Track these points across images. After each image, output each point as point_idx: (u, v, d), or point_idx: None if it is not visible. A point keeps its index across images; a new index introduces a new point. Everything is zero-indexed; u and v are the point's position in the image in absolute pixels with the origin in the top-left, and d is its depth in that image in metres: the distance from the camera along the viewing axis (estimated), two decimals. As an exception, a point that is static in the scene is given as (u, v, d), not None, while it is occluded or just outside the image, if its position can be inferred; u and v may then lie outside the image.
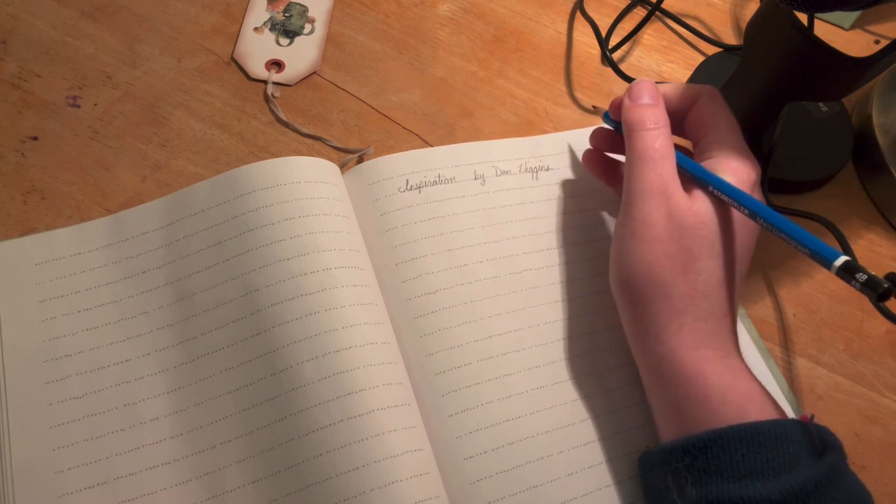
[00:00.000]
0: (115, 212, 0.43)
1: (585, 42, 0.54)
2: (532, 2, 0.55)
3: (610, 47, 0.53)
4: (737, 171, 0.37)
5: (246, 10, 0.52)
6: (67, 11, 0.51)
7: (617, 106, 0.41)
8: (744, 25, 0.56)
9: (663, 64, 0.54)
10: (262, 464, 0.36)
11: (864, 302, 0.45)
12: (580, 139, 0.48)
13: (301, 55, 0.51)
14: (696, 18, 0.56)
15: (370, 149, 0.47)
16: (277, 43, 0.51)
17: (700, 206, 0.36)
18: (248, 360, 0.37)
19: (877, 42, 0.56)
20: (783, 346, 0.44)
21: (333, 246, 0.39)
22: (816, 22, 0.55)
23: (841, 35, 0.56)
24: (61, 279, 0.40)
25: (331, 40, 0.52)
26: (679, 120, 0.41)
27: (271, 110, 0.48)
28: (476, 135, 0.49)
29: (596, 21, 0.54)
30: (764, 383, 0.35)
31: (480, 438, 0.37)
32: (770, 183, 0.46)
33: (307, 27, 0.52)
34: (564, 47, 0.54)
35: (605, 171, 0.44)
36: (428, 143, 0.48)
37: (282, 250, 0.39)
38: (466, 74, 0.52)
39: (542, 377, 0.39)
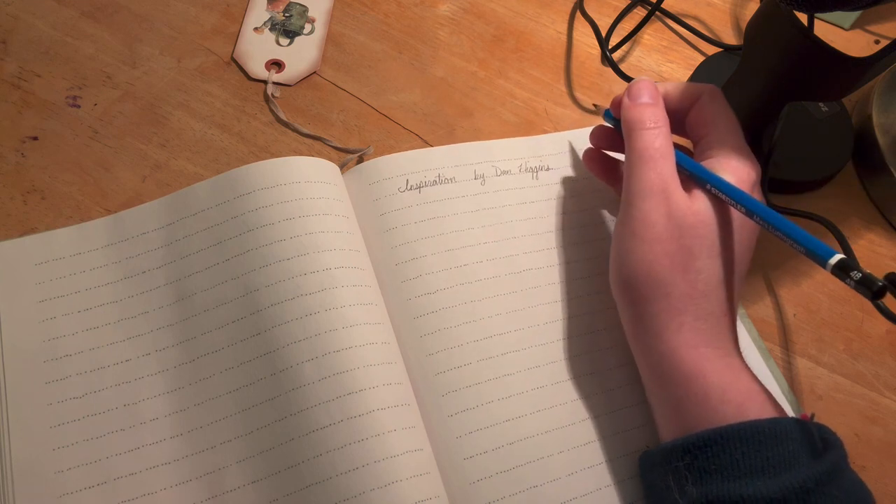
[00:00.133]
0: (115, 212, 0.43)
1: (585, 42, 0.54)
2: (532, 2, 0.56)
3: (610, 47, 0.53)
4: (737, 170, 0.37)
5: (246, 10, 0.52)
6: (67, 11, 0.51)
7: (618, 104, 0.41)
8: (744, 25, 0.56)
9: (663, 64, 0.54)
10: (262, 464, 0.36)
11: (865, 302, 0.45)
12: (580, 139, 0.48)
13: (301, 55, 0.51)
14: (696, 18, 0.56)
15: (370, 149, 0.47)
16: (277, 43, 0.51)
17: (700, 205, 0.36)
18: (248, 360, 0.37)
19: (877, 42, 0.56)
20: (783, 346, 0.44)
21: (333, 246, 0.39)
22: (816, 22, 0.55)
23: (841, 35, 0.56)
24: (61, 279, 0.40)
25: (331, 40, 0.52)
26: (680, 119, 0.41)
27: (271, 110, 0.48)
28: (476, 135, 0.49)
29: (596, 21, 0.54)
30: (764, 383, 0.35)
31: (480, 438, 0.37)
32: (770, 183, 0.46)
33: (307, 27, 0.52)
34: (564, 47, 0.54)
35: (605, 170, 0.44)
36: (428, 143, 0.48)
37: (282, 250, 0.39)
38: (466, 74, 0.52)
39: (542, 377, 0.39)
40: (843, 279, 0.31)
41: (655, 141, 0.38)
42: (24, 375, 0.37)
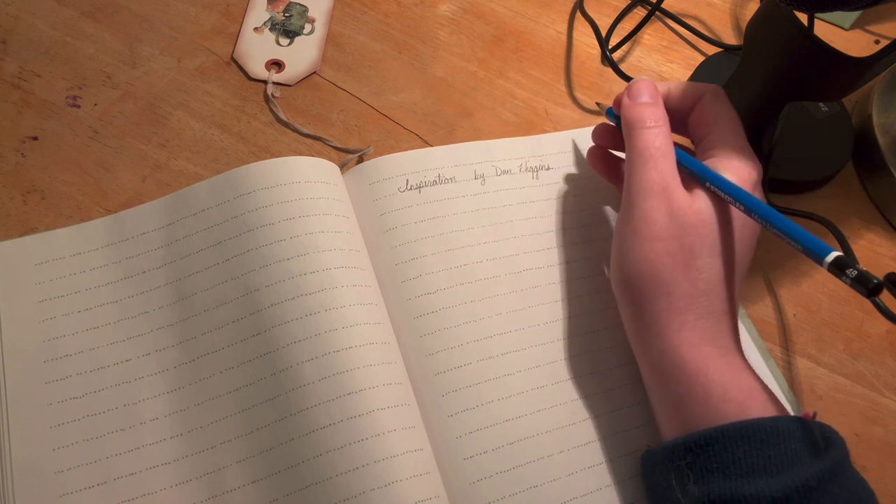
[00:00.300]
0: (115, 212, 0.42)
1: (585, 42, 0.54)
2: (532, 2, 0.56)
3: (610, 47, 0.53)
4: (738, 170, 0.37)
5: (246, 10, 0.52)
6: (67, 11, 0.51)
7: (619, 103, 0.41)
8: (744, 25, 0.56)
9: (663, 64, 0.54)
10: (262, 464, 0.36)
11: (865, 302, 0.45)
12: (581, 138, 0.48)
13: (301, 55, 0.51)
14: (696, 18, 0.56)
15: (370, 149, 0.47)
16: (277, 43, 0.51)
17: (701, 203, 0.36)
18: (248, 360, 0.37)
19: (877, 42, 0.56)
20: (783, 346, 0.44)
21: (333, 246, 0.39)
22: (816, 22, 0.55)
23: (841, 35, 0.56)
24: (61, 279, 0.40)
25: (331, 40, 0.52)
26: (682, 118, 0.41)
27: (271, 110, 0.48)
28: (476, 135, 0.49)
29: (596, 21, 0.54)
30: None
31: (480, 438, 0.37)
32: (770, 183, 0.46)
33: (307, 27, 0.52)
34: (564, 47, 0.54)
35: (607, 168, 0.44)
36: (428, 143, 0.48)
37: (282, 250, 0.39)
38: (466, 74, 0.52)
39: (543, 377, 0.39)
40: (839, 276, 0.31)
41: (656, 140, 0.38)
42: (24, 375, 0.37)
